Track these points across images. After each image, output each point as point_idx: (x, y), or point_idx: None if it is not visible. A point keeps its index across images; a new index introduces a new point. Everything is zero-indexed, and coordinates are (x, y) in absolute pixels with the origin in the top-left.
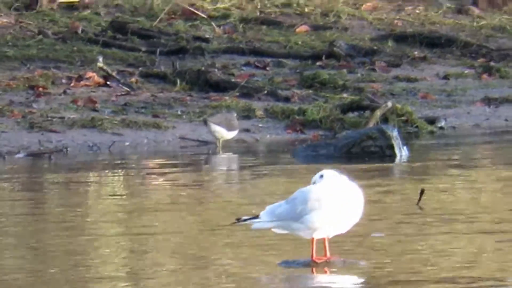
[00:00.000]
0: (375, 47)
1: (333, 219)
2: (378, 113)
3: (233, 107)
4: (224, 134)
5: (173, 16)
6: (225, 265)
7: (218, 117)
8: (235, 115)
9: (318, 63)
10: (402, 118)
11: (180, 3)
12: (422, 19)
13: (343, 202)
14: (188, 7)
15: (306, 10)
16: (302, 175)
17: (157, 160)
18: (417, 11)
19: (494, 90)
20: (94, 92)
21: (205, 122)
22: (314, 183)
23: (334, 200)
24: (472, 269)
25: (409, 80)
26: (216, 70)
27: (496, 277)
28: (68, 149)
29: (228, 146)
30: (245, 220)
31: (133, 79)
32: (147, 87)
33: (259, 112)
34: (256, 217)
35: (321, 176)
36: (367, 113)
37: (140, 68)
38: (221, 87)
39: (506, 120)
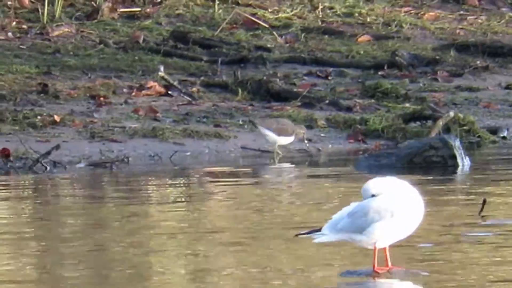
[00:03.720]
0: (437, 57)
1: (394, 229)
2: (440, 122)
3: (295, 117)
4: (275, 139)
5: (234, 25)
6: (284, 274)
7: (268, 121)
8: (299, 127)
9: (380, 73)
10: (464, 128)
11: (242, 13)
12: (484, 29)
13: (403, 211)
14: (250, 17)
15: (368, 19)
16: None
17: (218, 170)
18: (479, 20)
19: None
20: (155, 101)
21: (253, 124)
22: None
23: (394, 210)
24: None
25: (471, 89)
26: (277, 79)
27: None
28: (129, 158)
29: (289, 155)
30: (307, 233)
31: (194, 89)
32: (208, 97)
33: (321, 122)
34: (318, 230)
35: (373, 195)
36: (429, 122)
37: (202, 78)
38: (282, 96)
39: None
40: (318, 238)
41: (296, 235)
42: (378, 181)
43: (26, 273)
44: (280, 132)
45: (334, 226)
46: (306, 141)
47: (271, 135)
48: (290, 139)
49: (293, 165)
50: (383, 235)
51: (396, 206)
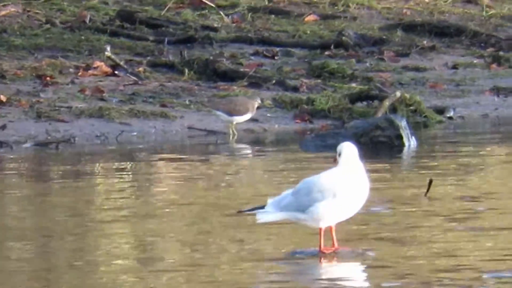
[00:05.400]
0: (383, 37)
1: (337, 209)
2: (386, 102)
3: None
4: (227, 118)
5: (181, 5)
6: (231, 253)
7: (219, 102)
8: (255, 100)
9: (326, 53)
10: (411, 108)
11: None
12: (431, 8)
13: (346, 192)
14: None
15: None
16: (310, 165)
17: (165, 150)
18: (426, 0)
19: (503, 80)
20: (101, 81)
21: (204, 106)
22: (339, 154)
23: (337, 191)
24: (476, 261)
25: (417, 69)
26: (224, 59)
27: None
28: (76, 138)
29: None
30: (250, 210)
31: (140, 69)
32: (155, 77)
33: (267, 102)
34: (262, 207)
35: (339, 155)
36: (376, 102)
37: (148, 57)
38: (229, 76)
39: None
40: (262, 218)
41: (239, 212)
42: (352, 146)
43: None
44: (232, 112)
45: (278, 203)
46: (266, 104)
47: (224, 116)
48: (245, 117)
49: (239, 145)
50: (326, 215)
51: (339, 186)
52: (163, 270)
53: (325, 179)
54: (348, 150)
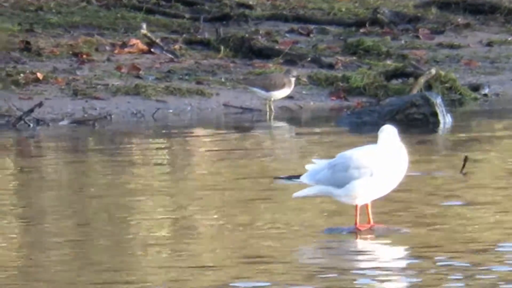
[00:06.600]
0: (418, 14)
1: (374, 187)
2: (421, 80)
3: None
4: (265, 95)
5: None
6: (265, 229)
7: (255, 78)
8: (290, 75)
9: (361, 30)
10: (446, 85)
11: None
12: None
13: (383, 171)
14: None
15: None
16: (346, 141)
17: (201, 127)
18: None
19: None
20: (137, 59)
21: (239, 84)
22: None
23: (374, 170)
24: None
25: (452, 47)
26: (259, 37)
27: None
28: (112, 116)
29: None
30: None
31: (176, 46)
32: (190, 54)
33: (303, 79)
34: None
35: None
36: (411, 80)
37: (184, 35)
38: (264, 54)
39: None
40: (297, 193)
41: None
42: (392, 127)
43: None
44: (269, 88)
45: (313, 175)
46: (301, 81)
47: (261, 92)
48: (283, 92)
49: (275, 122)
50: (362, 193)
51: (376, 165)
52: (195, 243)
53: (363, 156)
54: (388, 130)
